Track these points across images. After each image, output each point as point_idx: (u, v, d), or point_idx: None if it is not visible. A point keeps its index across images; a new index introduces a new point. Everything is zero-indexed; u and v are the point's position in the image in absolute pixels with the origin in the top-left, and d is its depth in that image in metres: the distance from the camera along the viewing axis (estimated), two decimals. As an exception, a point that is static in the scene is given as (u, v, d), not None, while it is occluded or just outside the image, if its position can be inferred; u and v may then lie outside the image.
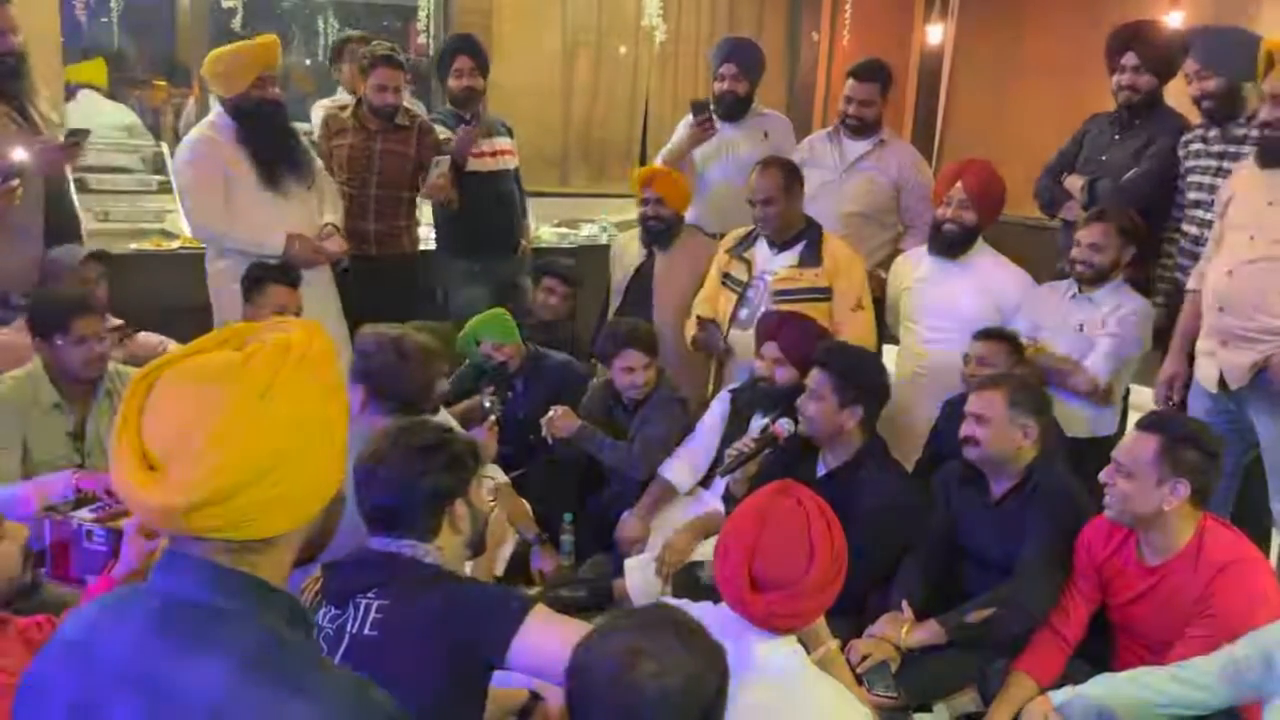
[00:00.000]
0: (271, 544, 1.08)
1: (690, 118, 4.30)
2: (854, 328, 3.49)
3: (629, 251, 4.11)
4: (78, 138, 3.44)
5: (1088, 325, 3.26)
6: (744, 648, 1.67)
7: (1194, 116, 3.46)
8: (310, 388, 1.05)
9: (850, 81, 4.15)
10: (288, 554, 1.13)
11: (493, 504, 1.95)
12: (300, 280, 3.38)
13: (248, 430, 1.00)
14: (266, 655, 1.02)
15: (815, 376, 2.83)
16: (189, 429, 0.99)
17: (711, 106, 4.15)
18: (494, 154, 4.20)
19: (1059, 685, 2.33)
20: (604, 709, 1.28)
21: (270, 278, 3.30)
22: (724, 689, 1.32)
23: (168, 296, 4.02)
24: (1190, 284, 3.10)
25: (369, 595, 1.75)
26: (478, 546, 1.90)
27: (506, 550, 3.23)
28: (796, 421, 2.84)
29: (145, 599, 1.07)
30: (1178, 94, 3.56)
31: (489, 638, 1.70)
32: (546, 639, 1.69)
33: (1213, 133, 3.28)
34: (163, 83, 5.84)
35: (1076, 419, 3.24)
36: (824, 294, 3.53)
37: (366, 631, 1.73)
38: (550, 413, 3.38)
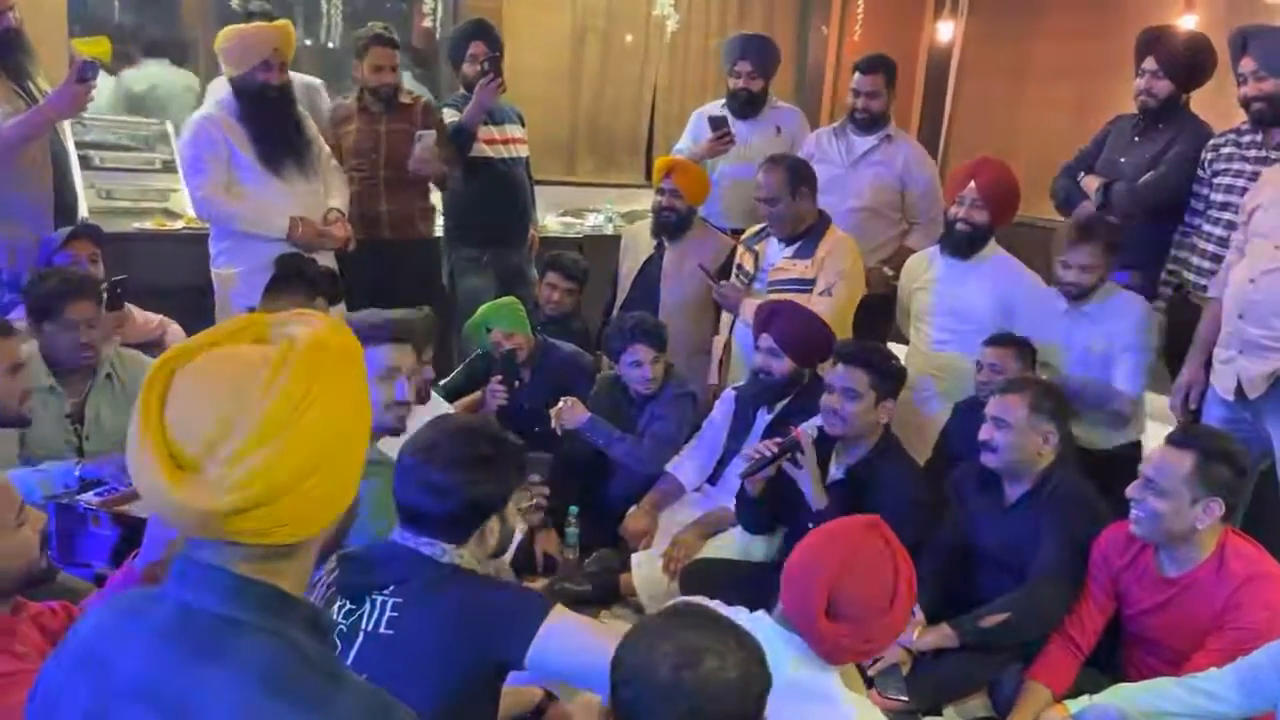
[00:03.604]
0: (297, 549, 1.04)
1: (697, 117, 4.33)
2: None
3: (640, 242, 4.08)
4: (87, 73, 3.23)
5: (1094, 343, 3.22)
6: (777, 660, 1.64)
7: (1221, 121, 3.44)
8: (348, 385, 1.02)
9: (856, 75, 4.16)
10: (309, 560, 1.09)
11: (525, 510, 1.90)
12: (325, 293, 3.30)
13: (293, 429, 0.96)
14: (286, 671, 0.98)
15: (849, 375, 2.80)
16: (228, 426, 0.94)
17: (725, 111, 4.16)
18: (505, 141, 4.15)
19: (1071, 693, 2.33)
20: (666, 708, 1.26)
21: (291, 287, 3.23)
22: (768, 686, 1.32)
23: (170, 277, 3.96)
24: (1211, 291, 3.08)
25: (385, 592, 1.72)
26: (500, 554, 1.86)
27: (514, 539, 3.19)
28: (821, 430, 2.81)
29: (159, 608, 1.02)
30: (1208, 97, 3.53)
31: (507, 641, 1.66)
32: (567, 642, 1.66)
33: (1248, 138, 3.24)
34: (165, 60, 5.77)
35: (1099, 434, 3.23)
36: (808, 285, 3.52)
37: (382, 630, 1.69)
38: (559, 404, 3.35)
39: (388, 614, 1.70)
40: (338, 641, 1.71)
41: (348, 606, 1.74)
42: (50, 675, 1.07)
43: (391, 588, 1.72)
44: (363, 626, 1.70)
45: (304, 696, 0.97)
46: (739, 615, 1.79)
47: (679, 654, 1.27)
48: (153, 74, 4.91)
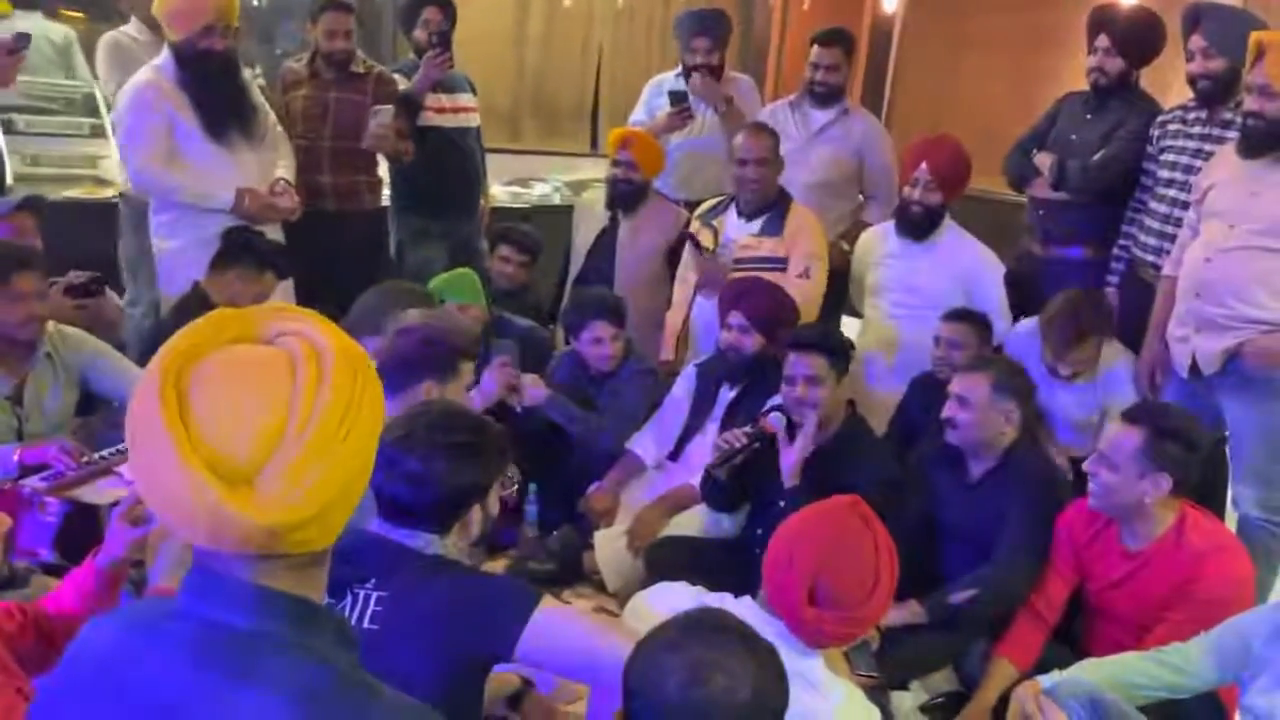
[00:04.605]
0: (326, 553, 1.01)
1: (654, 89, 4.28)
2: (797, 296, 3.42)
3: (593, 214, 4.03)
4: (18, 45, 3.12)
5: (1078, 415, 3.16)
6: (765, 646, 1.64)
7: (1169, 97, 3.48)
8: (375, 385, 0.99)
9: (815, 48, 4.11)
10: (329, 562, 1.05)
11: (504, 492, 1.88)
12: (274, 267, 3.25)
13: (348, 438, 0.93)
14: (325, 688, 0.94)
15: (808, 362, 2.78)
16: (278, 437, 0.90)
17: (683, 84, 4.10)
18: (456, 110, 4.05)
19: (1036, 668, 2.37)
20: None
21: (239, 261, 3.18)
22: (786, 697, 1.27)
23: (102, 248, 3.81)
24: (1165, 270, 3.13)
25: (368, 585, 1.67)
26: (480, 541, 1.83)
27: None
28: (789, 416, 2.80)
29: (177, 624, 0.97)
30: (1156, 72, 3.57)
31: (496, 634, 1.63)
32: (556, 634, 1.63)
33: (1193, 115, 3.28)
34: (81, 14, 5.50)
35: None
36: (780, 264, 3.52)
37: (365, 624, 1.64)
38: (519, 380, 3.29)
39: (371, 608, 1.65)
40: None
41: (327, 600, 1.68)
42: (52, 698, 1.00)
43: (373, 581, 1.67)
44: (346, 621, 1.65)
45: (345, 713, 0.94)
46: (724, 601, 1.78)
47: (688, 670, 1.21)
48: (17, 26, 4.64)
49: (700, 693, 1.20)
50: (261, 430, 0.90)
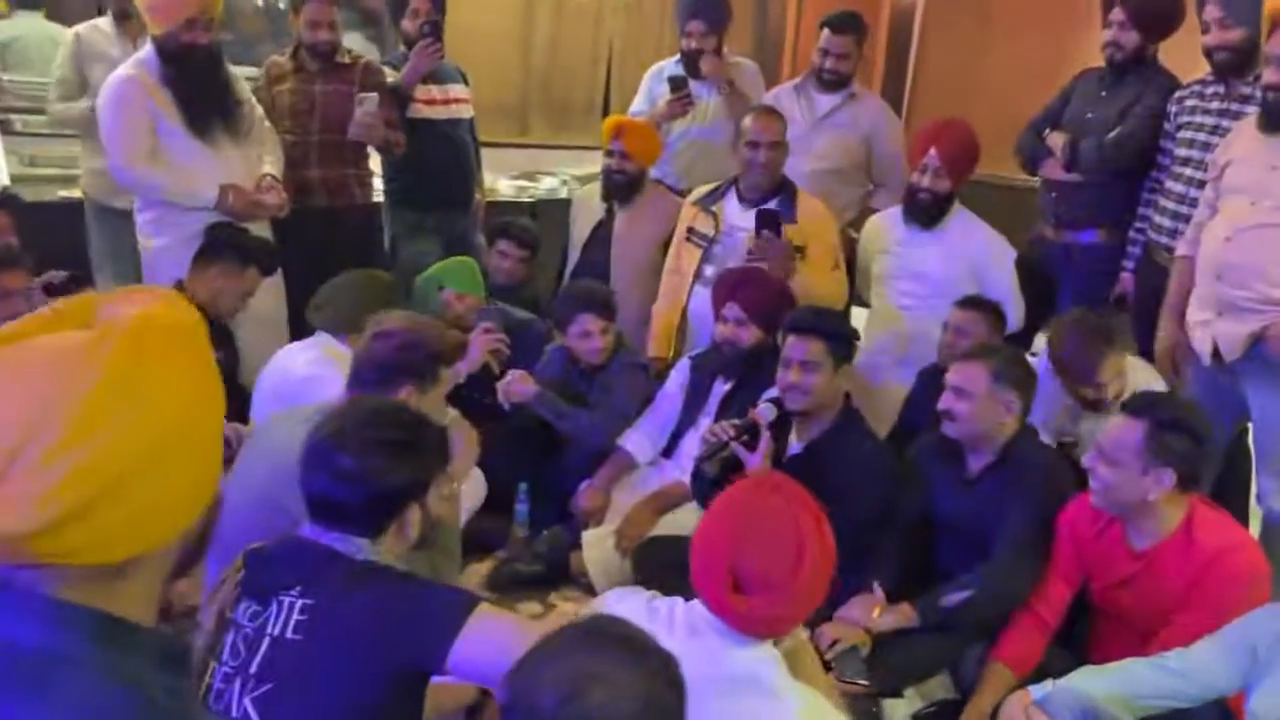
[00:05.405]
0: (137, 566, 0.87)
1: (654, 77, 4.17)
2: (829, 288, 3.36)
3: (590, 205, 3.92)
4: None
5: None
6: (714, 649, 1.52)
7: (1187, 72, 3.32)
8: (181, 369, 0.86)
9: (825, 33, 3.97)
10: (156, 577, 0.91)
11: (448, 497, 1.78)
12: (256, 263, 3.21)
13: (111, 424, 0.79)
14: (127, 715, 0.82)
15: (805, 346, 2.66)
16: (32, 428, 0.77)
17: (684, 71, 3.99)
18: (447, 101, 3.96)
19: (1037, 674, 2.23)
20: None
21: (221, 258, 3.13)
22: (682, 706, 1.15)
23: (84, 248, 3.80)
24: (1180, 250, 2.96)
25: (292, 593, 1.57)
26: (423, 545, 1.73)
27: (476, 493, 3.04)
28: (780, 406, 2.68)
29: None
30: (1177, 49, 3.42)
31: (425, 645, 1.53)
32: (489, 645, 1.52)
33: (1211, 89, 3.12)
34: (38, 11, 5.47)
35: None
36: (800, 252, 3.38)
37: (289, 634, 1.54)
38: (507, 376, 3.19)
39: (295, 617, 1.55)
40: (240, 645, 1.57)
41: (254, 608, 1.59)
42: None
43: (298, 588, 1.57)
44: (269, 631, 1.55)
45: None
46: (675, 606, 1.67)
47: (568, 682, 1.10)
48: (20, 26, 4.62)
49: (576, 708, 1.08)
50: (17, 425, 0.78)
